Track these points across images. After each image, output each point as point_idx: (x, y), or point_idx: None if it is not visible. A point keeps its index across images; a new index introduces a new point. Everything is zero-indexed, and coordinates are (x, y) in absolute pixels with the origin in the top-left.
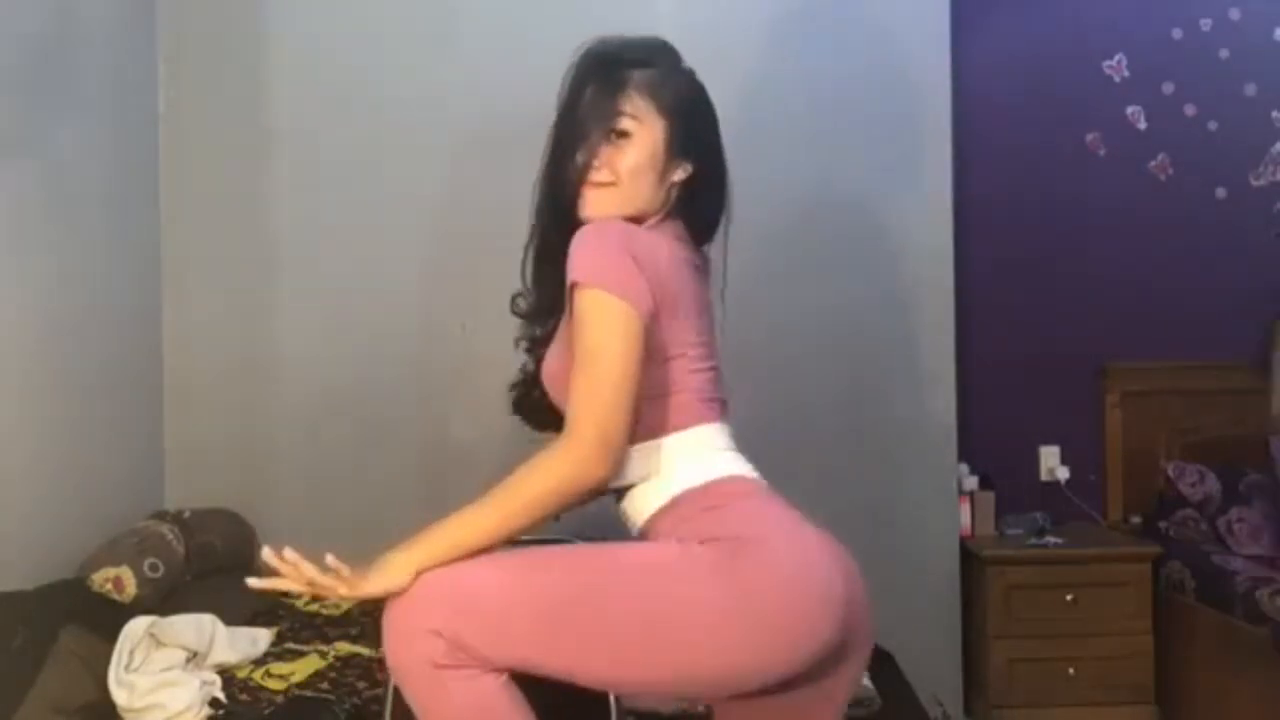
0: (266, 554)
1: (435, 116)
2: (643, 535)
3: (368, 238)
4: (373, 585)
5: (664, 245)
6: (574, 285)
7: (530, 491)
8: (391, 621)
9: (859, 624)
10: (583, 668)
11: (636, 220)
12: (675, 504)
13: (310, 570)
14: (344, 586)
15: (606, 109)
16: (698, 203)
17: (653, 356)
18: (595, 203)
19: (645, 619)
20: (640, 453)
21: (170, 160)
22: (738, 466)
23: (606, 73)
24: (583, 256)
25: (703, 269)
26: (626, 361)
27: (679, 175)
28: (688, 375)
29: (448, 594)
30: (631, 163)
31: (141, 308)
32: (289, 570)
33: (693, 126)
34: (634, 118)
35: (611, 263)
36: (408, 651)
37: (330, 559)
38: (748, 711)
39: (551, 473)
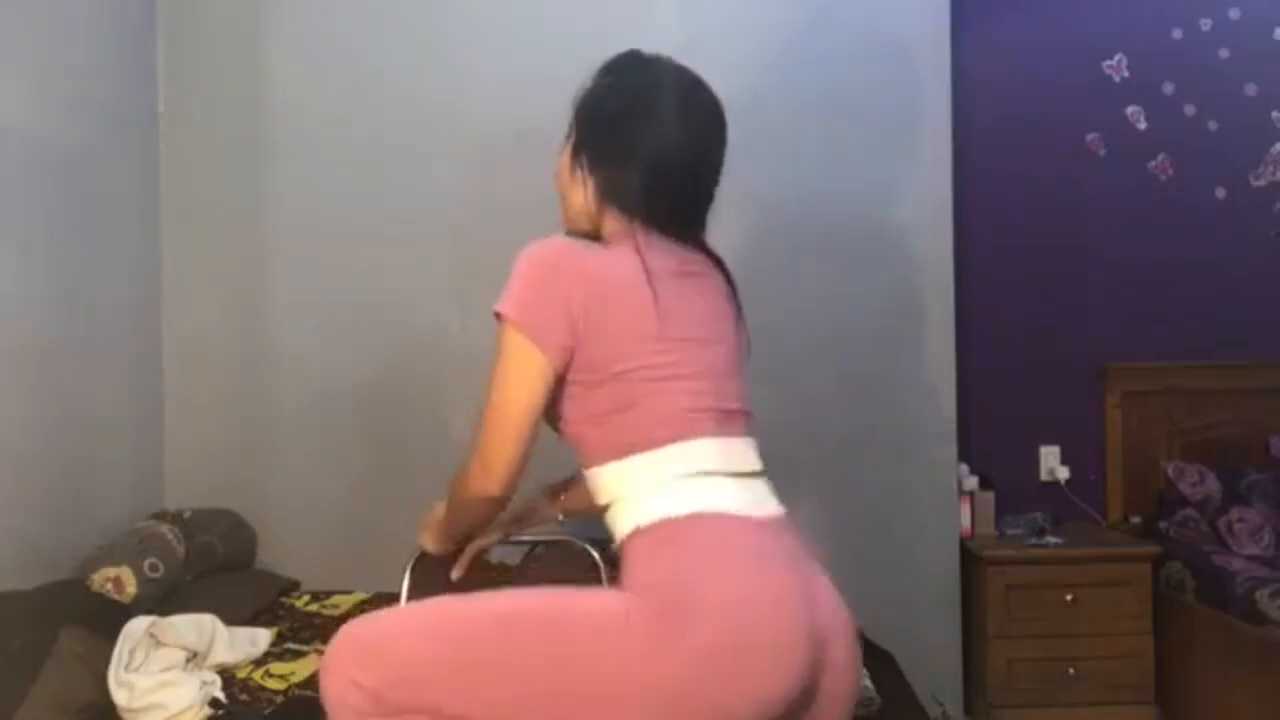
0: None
1: (434, 117)
2: (619, 557)
3: (367, 237)
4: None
5: (615, 261)
6: (496, 314)
7: (453, 502)
8: (323, 669)
9: (827, 664)
10: None
11: (593, 236)
12: (631, 539)
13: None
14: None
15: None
16: (653, 202)
17: (596, 373)
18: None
19: (573, 687)
20: (605, 475)
21: (170, 160)
22: (702, 497)
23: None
24: (513, 283)
25: (693, 273)
26: (519, 400)
27: (589, 184)
28: (648, 385)
29: (373, 647)
30: (555, 172)
31: (141, 307)
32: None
33: (592, 133)
34: (567, 133)
35: (527, 298)
36: (335, 701)
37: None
38: None
39: (458, 487)
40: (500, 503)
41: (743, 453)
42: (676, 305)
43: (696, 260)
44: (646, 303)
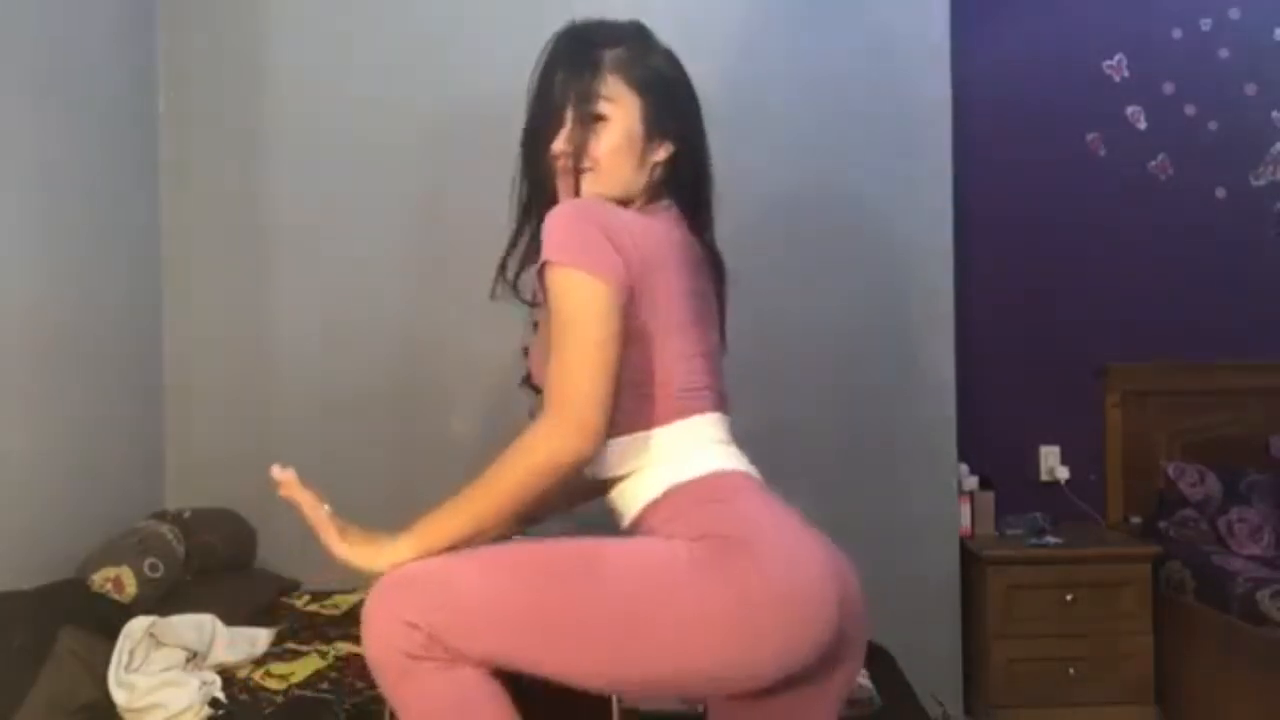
0: (275, 470)
1: (435, 116)
2: (632, 528)
3: (368, 238)
4: (365, 560)
5: (650, 224)
6: (545, 264)
7: (514, 473)
8: (369, 611)
9: (853, 623)
10: (567, 667)
11: (622, 203)
12: (666, 497)
13: (306, 499)
14: (336, 542)
15: (581, 92)
16: (682, 181)
17: (630, 338)
18: (575, 189)
19: (634, 620)
20: (628, 445)
21: (170, 160)
22: (731, 460)
23: (579, 55)
24: (554, 234)
25: (703, 258)
26: (601, 339)
27: (660, 154)
28: (673, 360)
29: (428, 587)
30: (609, 145)
31: (141, 308)
32: (287, 490)
33: (671, 104)
34: (609, 100)
35: (582, 239)
36: (383, 641)
37: (326, 507)
38: (745, 711)
39: (532, 453)
40: (589, 461)
41: (729, 429)
42: (694, 285)
43: (699, 244)
44: (678, 272)
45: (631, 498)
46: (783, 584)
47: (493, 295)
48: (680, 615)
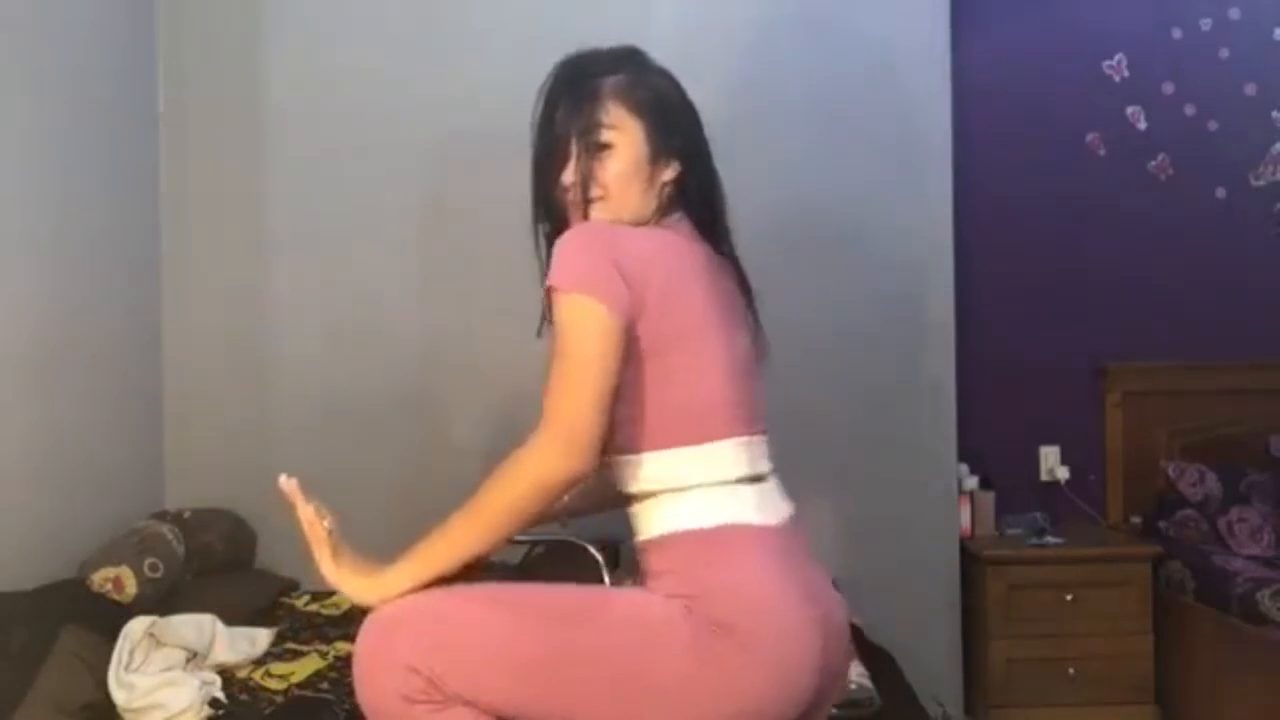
0: (281, 480)
1: (436, 117)
2: (636, 554)
3: (368, 239)
4: (356, 591)
5: (666, 238)
6: (550, 290)
7: (506, 494)
8: (364, 650)
9: (837, 661)
10: (568, 715)
11: (636, 225)
12: (666, 542)
13: (307, 514)
14: (328, 564)
15: (583, 123)
16: (691, 197)
17: (644, 352)
18: (585, 219)
19: (634, 675)
20: (641, 463)
21: (170, 160)
22: (739, 508)
23: (577, 87)
24: (561, 259)
25: (726, 269)
26: (598, 362)
27: (668, 174)
28: (693, 376)
29: (427, 627)
30: (616, 172)
31: (141, 308)
32: (291, 500)
33: (673, 122)
34: (612, 127)
35: (586, 265)
36: (379, 685)
37: (328, 521)
38: None
39: (522, 473)
40: (581, 479)
41: (762, 454)
42: (716, 295)
43: (721, 257)
44: (697, 285)
45: (640, 526)
46: (770, 673)
47: (539, 334)
48: (674, 679)
